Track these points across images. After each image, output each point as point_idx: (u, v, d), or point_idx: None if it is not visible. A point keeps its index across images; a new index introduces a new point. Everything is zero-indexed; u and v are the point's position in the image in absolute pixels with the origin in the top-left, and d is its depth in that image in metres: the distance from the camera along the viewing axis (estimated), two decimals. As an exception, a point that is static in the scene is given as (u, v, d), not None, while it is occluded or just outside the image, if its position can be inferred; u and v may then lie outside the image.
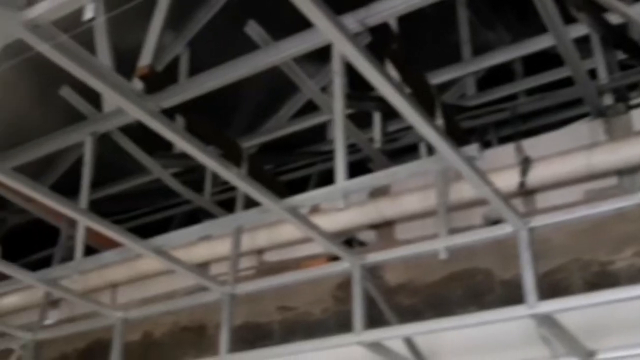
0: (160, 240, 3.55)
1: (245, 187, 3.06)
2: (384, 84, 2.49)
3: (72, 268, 3.85)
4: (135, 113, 2.74)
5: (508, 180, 3.53)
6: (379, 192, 3.76)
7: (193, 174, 4.55)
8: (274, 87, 4.52)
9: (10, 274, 3.95)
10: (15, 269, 3.92)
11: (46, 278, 3.99)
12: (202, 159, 2.93)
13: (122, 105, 2.71)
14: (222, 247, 4.14)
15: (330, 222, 3.69)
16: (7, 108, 4.95)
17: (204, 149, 2.89)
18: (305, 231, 3.13)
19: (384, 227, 3.94)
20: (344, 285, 3.77)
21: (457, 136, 3.25)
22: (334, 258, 3.57)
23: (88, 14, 2.53)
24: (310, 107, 4.48)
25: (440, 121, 3.20)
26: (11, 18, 2.22)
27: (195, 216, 5.09)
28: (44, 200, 3.35)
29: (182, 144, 2.83)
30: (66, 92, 3.81)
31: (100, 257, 3.87)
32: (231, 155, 3.15)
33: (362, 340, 3.11)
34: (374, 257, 3.28)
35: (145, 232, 3.66)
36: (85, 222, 3.64)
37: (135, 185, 4.90)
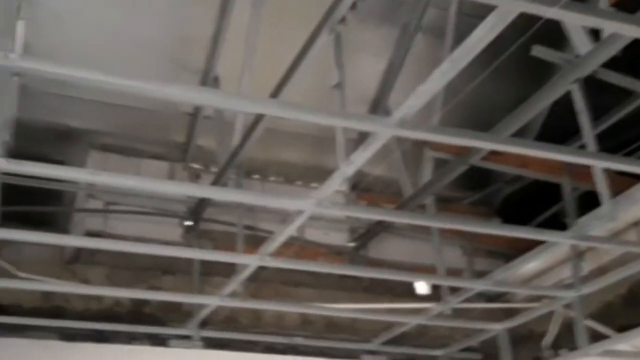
0: None
1: None
2: None
3: (605, 216, 3.76)
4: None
5: None
6: None
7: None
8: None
9: (544, 238, 4.04)
10: (548, 233, 3.98)
11: (579, 234, 3.97)
12: None
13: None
14: None
15: None
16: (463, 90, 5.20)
17: None
18: None
19: None
20: None
21: None
22: None
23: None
24: None
25: None
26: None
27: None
28: (558, 157, 3.37)
29: None
30: (538, 50, 3.78)
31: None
32: None
33: None
34: None
35: None
36: (602, 165, 3.56)
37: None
